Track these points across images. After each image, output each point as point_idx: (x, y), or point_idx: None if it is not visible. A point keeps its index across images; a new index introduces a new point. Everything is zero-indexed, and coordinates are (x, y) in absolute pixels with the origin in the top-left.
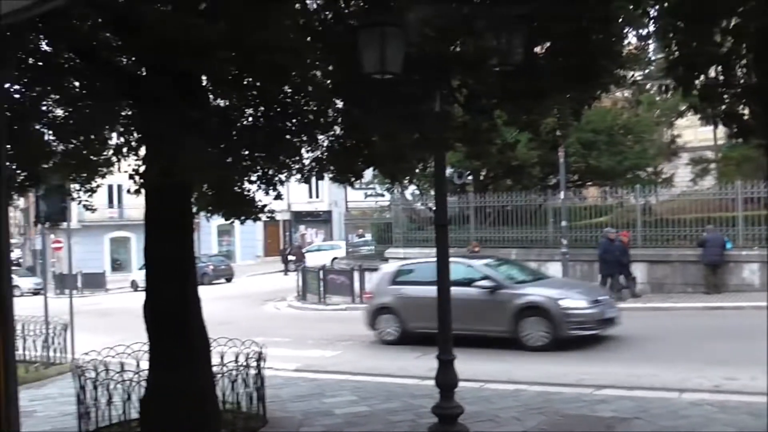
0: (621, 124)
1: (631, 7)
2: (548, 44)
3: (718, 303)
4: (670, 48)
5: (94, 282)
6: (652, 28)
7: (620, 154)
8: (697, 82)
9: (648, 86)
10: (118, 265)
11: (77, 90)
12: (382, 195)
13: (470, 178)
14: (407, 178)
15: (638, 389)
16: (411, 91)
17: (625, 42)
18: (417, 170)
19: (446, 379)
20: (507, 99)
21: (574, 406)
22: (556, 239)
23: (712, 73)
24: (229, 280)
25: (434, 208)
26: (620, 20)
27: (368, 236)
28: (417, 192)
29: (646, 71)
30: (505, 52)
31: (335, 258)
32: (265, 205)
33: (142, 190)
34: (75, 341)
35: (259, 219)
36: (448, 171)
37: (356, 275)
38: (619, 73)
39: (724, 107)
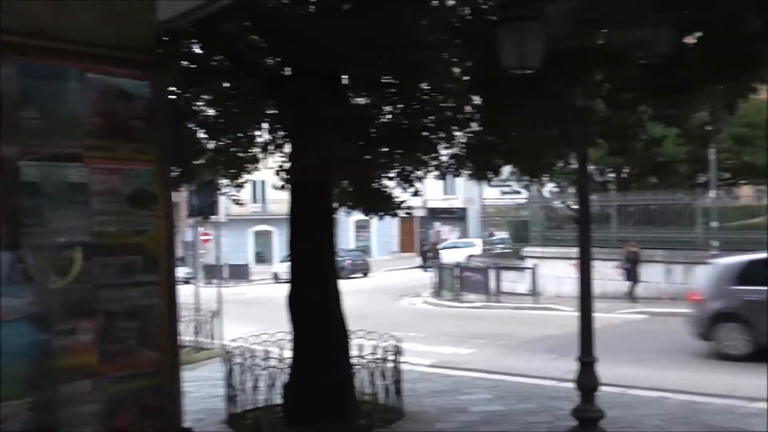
0: None
1: None
2: (699, 33)
3: None
4: None
5: (239, 273)
6: None
7: None
8: None
9: None
10: (260, 258)
11: (226, 90)
12: (519, 192)
13: (612, 175)
14: (546, 175)
15: None
16: (551, 86)
17: None
18: (557, 167)
19: (587, 381)
20: (653, 93)
21: (725, 419)
22: (706, 241)
23: None
24: (365, 274)
25: (574, 206)
26: None
27: (500, 235)
28: (555, 189)
29: None
30: (651, 44)
31: (471, 255)
32: (402, 202)
33: (287, 186)
34: (223, 328)
35: (396, 215)
36: (590, 168)
37: (492, 273)
38: None
39: None
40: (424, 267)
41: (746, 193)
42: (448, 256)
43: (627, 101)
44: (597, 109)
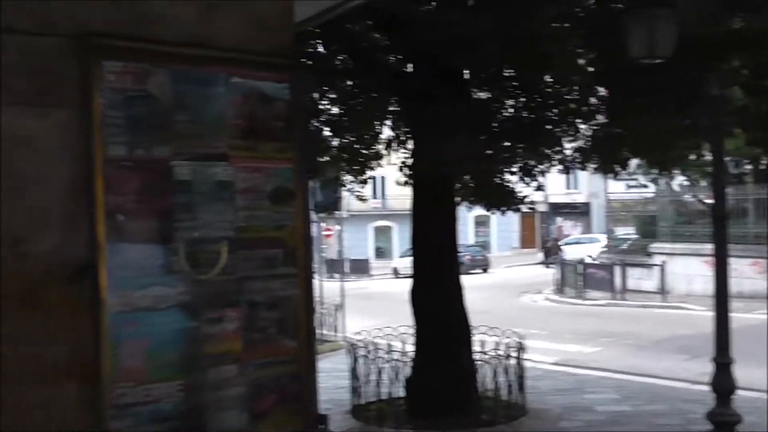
0: None
1: None
2: None
3: None
4: None
5: (360, 267)
6: None
7: None
8: None
9: None
10: (380, 253)
11: (350, 89)
12: (646, 186)
13: (749, 167)
14: (676, 167)
15: None
16: (683, 75)
17: None
18: (688, 159)
19: (723, 383)
20: None
21: None
22: None
23: None
24: (485, 270)
25: (707, 200)
26: None
27: (625, 230)
28: (686, 183)
29: None
30: None
31: (596, 251)
32: (525, 196)
33: (411, 182)
34: (345, 321)
35: (518, 210)
36: (727, 159)
37: (617, 270)
38: None
39: None
40: (545, 263)
41: None
42: (570, 252)
43: (766, 87)
44: (733, 97)
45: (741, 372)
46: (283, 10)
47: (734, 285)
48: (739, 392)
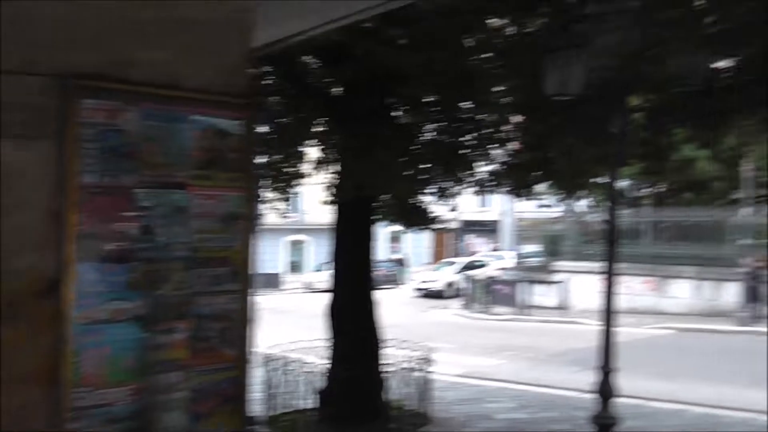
0: None
1: None
2: (735, 64)
3: None
4: None
5: (271, 282)
6: None
7: None
8: None
9: None
10: (295, 267)
11: (280, 108)
12: (555, 206)
13: (648, 191)
14: (582, 190)
15: None
16: (592, 110)
17: None
18: (593, 183)
19: (604, 388)
20: (690, 118)
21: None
22: (735, 258)
23: None
24: (398, 285)
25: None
26: None
27: (533, 248)
28: (591, 204)
29: None
30: (688, 74)
31: (508, 268)
32: (438, 216)
33: (335, 201)
34: (260, 335)
35: (432, 228)
36: (625, 183)
37: (521, 287)
38: None
39: None
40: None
41: None
42: (480, 269)
43: (664, 125)
44: (635, 131)
45: (629, 382)
46: (242, 57)
47: (628, 301)
48: (626, 399)
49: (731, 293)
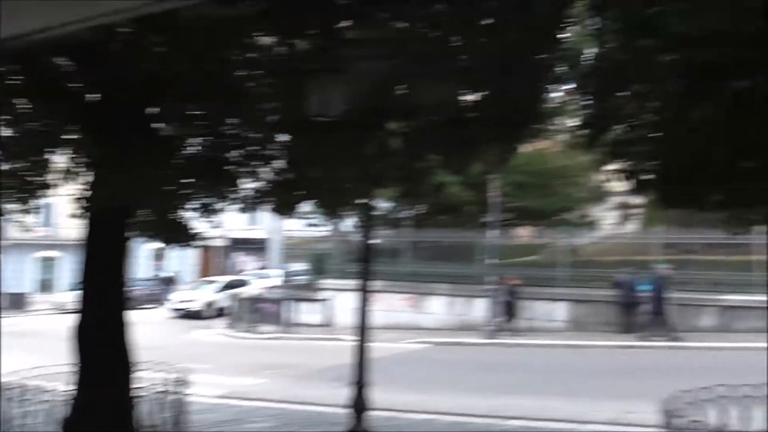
0: (552, 167)
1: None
2: (477, 97)
3: (628, 342)
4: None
5: (17, 302)
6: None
7: (550, 196)
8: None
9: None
10: (45, 285)
11: (26, 111)
12: (322, 225)
13: (408, 213)
14: (345, 210)
15: (544, 420)
16: (352, 132)
17: (554, 94)
18: (356, 203)
19: (358, 402)
20: (441, 145)
21: None
22: (483, 276)
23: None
24: (161, 304)
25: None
26: (545, 78)
27: (298, 267)
28: (356, 224)
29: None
30: (437, 104)
31: (274, 286)
32: (199, 232)
33: (86, 213)
34: None
35: (193, 246)
36: (387, 205)
37: (287, 305)
38: (540, 127)
39: (628, 163)
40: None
41: (527, 233)
42: (246, 287)
43: (418, 150)
44: (391, 155)
45: (384, 395)
46: None
47: (388, 317)
48: (380, 412)
49: (479, 308)
